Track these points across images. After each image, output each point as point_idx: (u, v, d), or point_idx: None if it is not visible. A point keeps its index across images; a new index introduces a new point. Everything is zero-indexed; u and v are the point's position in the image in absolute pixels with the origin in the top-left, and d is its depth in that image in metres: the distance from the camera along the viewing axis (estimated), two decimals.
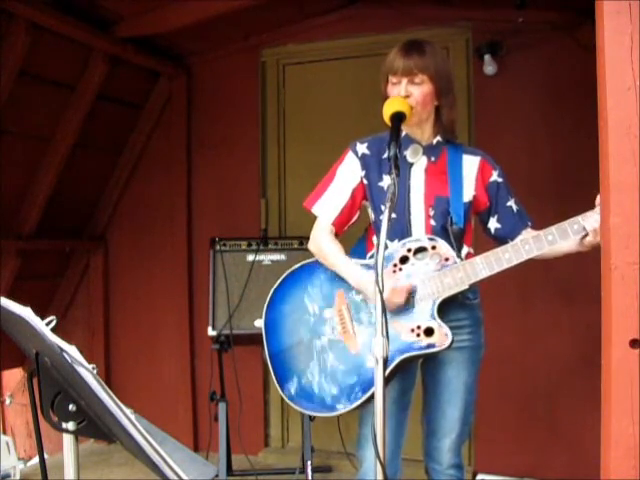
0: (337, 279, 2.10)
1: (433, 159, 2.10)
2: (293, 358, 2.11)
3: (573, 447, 3.32)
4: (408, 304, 1.98)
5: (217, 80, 4.05)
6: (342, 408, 2.01)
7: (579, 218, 1.91)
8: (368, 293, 2.00)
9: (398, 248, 2.03)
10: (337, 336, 2.07)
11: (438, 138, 2.11)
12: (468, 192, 2.10)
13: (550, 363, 3.41)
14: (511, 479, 3.43)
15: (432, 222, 2.06)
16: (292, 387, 2.10)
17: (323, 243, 2.10)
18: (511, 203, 2.14)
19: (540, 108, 3.43)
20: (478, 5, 3.47)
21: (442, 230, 2.06)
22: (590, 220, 1.88)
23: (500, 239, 2.14)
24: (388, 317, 1.95)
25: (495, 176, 2.13)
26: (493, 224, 2.15)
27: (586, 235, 1.90)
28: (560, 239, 1.91)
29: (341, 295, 2.08)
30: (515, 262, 1.93)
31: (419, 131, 2.10)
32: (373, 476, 1.59)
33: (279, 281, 2.17)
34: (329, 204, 2.12)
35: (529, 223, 2.15)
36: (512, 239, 2.11)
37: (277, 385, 2.12)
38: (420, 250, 2.00)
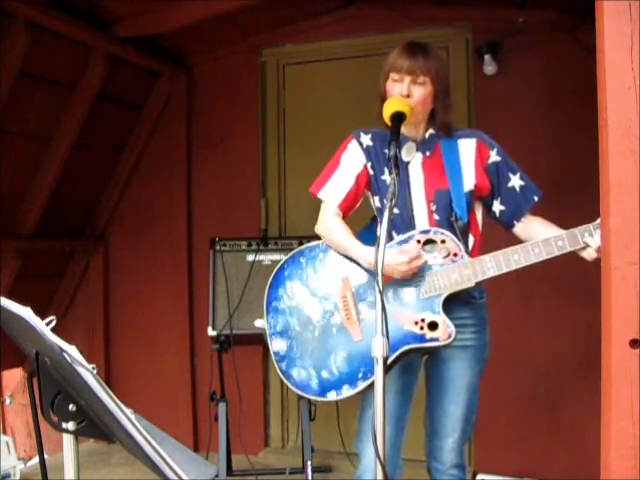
0: (340, 264, 2.11)
1: (428, 153, 2.11)
2: (294, 342, 2.12)
3: (573, 447, 3.32)
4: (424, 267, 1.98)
5: (217, 80, 4.05)
6: (342, 393, 2.02)
7: (590, 227, 1.89)
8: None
9: (407, 239, 2.03)
10: (340, 322, 2.07)
11: (430, 131, 2.12)
12: (469, 181, 2.09)
13: (550, 363, 3.41)
14: (511, 479, 3.43)
15: (435, 216, 2.07)
16: (293, 371, 2.10)
17: (332, 226, 2.11)
18: (513, 182, 2.12)
19: (540, 108, 3.43)
20: (478, 5, 3.47)
21: (447, 222, 2.06)
22: (597, 237, 1.85)
23: (505, 221, 2.14)
24: (394, 305, 1.98)
25: (494, 156, 2.11)
26: (497, 207, 2.14)
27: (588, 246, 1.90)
28: (570, 246, 1.90)
29: (346, 281, 2.08)
30: (524, 264, 1.93)
31: (414, 129, 2.11)
32: (371, 474, 1.59)
33: (283, 261, 2.19)
34: (335, 189, 2.14)
35: (535, 198, 2.12)
36: (518, 220, 2.12)
37: (277, 368, 2.13)
38: (428, 242, 2.01)
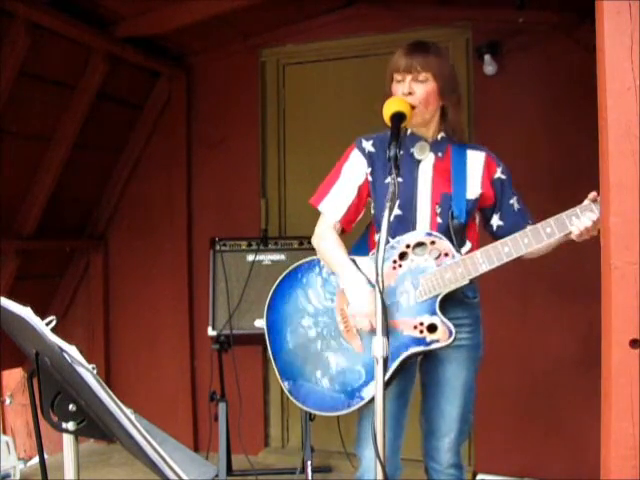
0: (338, 277, 2.10)
1: (440, 155, 2.10)
2: (297, 357, 2.12)
3: (573, 447, 3.32)
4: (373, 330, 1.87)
5: (217, 80, 4.05)
6: (347, 408, 2.02)
7: (577, 210, 1.90)
8: (348, 299, 2.01)
9: (396, 244, 2.02)
10: (340, 335, 2.07)
11: (442, 134, 2.11)
12: (474, 190, 2.09)
13: (550, 362, 3.41)
14: (511, 479, 3.43)
15: (438, 219, 2.06)
16: (297, 387, 2.11)
17: (326, 240, 2.11)
18: (513, 201, 2.14)
19: (540, 108, 3.43)
20: (478, 5, 3.47)
21: (447, 226, 2.05)
22: (583, 219, 1.88)
23: (501, 237, 2.12)
24: (391, 312, 1.96)
25: (499, 173, 2.13)
26: (496, 221, 2.15)
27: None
28: (559, 232, 1.91)
29: (344, 293, 2.07)
30: (515, 256, 1.93)
31: (424, 129, 2.10)
32: (372, 475, 1.59)
33: (279, 279, 2.18)
34: (336, 202, 2.12)
35: (530, 222, 2.13)
36: None
37: (282, 384, 2.13)
38: (419, 245, 2.01)
